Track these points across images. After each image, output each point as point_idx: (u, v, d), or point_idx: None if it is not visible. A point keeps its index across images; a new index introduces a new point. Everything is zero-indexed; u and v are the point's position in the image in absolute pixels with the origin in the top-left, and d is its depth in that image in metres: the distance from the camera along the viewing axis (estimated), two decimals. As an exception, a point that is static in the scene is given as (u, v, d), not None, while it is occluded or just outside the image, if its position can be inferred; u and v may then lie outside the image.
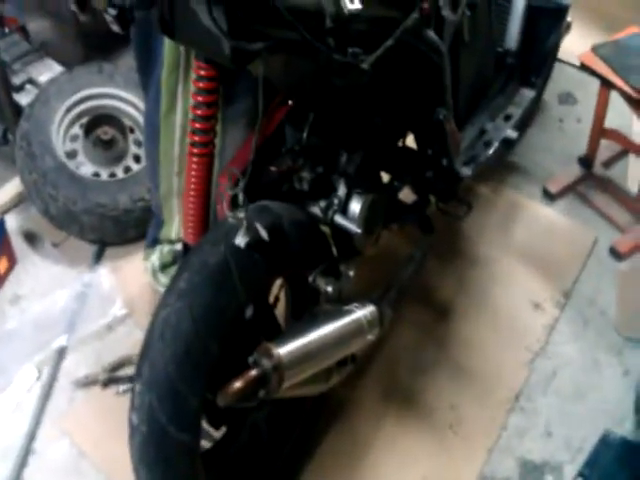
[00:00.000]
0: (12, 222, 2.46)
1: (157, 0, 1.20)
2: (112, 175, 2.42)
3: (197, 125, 1.47)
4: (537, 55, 2.41)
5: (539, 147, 2.83)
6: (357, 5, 1.22)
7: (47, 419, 2.01)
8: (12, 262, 2.35)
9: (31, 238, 2.45)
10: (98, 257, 2.39)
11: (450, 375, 2.12)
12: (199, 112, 1.46)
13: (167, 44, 1.63)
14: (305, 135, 1.59)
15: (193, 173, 1.51)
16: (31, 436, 1.96)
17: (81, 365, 2.12)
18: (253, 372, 1.23)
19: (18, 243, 2.41)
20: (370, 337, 1.46)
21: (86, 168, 2.40)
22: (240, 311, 1.36)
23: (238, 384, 1.20)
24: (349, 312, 1.44)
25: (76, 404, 2.04)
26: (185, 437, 1.30)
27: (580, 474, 1.91)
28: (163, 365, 1.26)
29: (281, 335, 1.36)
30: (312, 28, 1.17)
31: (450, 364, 2.15)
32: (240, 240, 1.31)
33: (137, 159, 2.47)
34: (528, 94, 2.38)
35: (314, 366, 1.35)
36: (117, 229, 2.35)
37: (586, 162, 2.65)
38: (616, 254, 2.45)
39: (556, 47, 2.55)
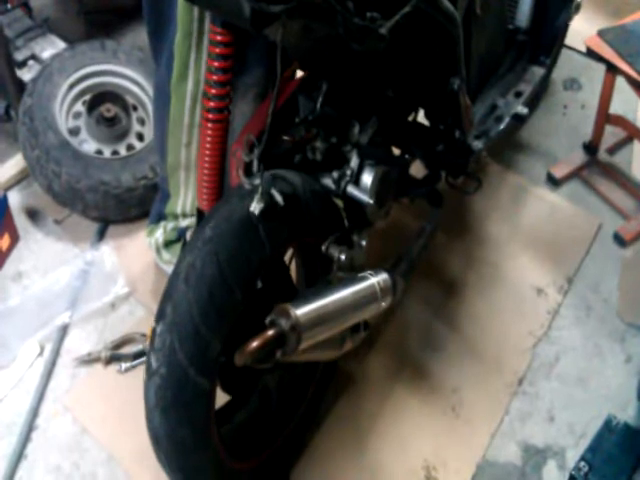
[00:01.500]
0: (14, 199, 2.43)
1: None
2: (115, 153, 2.40)
3: (212, 91, 1.47)
4: (547, 34, 2.41)
5: (544, 132, 2.83)
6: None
7: (50, 395, 2.00)
8: (14, 239, 2.33)
9: (33, 215, 2.43)
10: (100, 235, 2.37)
11: (454, 356, 2.12)
12: (214, 77, 1.46)
13: (180, 8, 1.61)
14: (318, 105, 1.58)
15: (208, 139, 1.50)
16: (34, 412, 1.95)
17: (84, 342, 2.11)
18: (271, 331, 1.23)
19: (20, 220, 2.38)
20: (383, 304, 1.46)
21: (89, 145, 2.38)
22: (263, 264, 1.35)
23: (256, 343, 1.19)
24: (363, 278, 1.44)
25: (79, 381, 2.03)
26: (204, 382, 1.29)
27: (583, 459, 1.92)
28: (187, 307, 1.26)
29: (297, 298, 1.35)
30: None
31: (455, 344, 2.15)
32: (255, 206, 1.31)
33: (140, 137, 2.45)
34: (538, 72, 2.38)
35: (330, 329, 1.34)
36: (120, 207, 2.32)
37: (591, 148, 2.66)
38: (620, 241, 2.46)
39: (566, 26, 2.55)
